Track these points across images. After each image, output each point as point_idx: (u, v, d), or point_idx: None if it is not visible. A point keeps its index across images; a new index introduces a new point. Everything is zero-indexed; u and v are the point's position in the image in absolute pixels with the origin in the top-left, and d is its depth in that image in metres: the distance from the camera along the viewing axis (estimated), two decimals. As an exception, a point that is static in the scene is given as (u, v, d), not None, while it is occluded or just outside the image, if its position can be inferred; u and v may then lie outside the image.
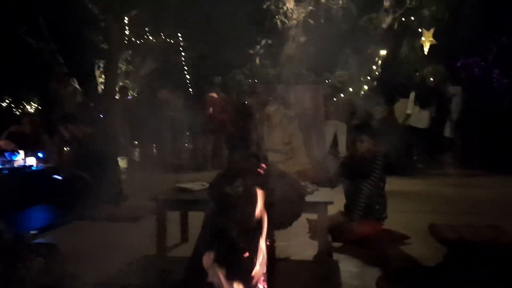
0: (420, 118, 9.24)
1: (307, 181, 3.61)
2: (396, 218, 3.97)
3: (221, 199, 1.68)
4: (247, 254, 1.60)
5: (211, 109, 8.84)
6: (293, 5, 9.36)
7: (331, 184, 3.78)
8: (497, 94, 10.92)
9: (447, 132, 9.50)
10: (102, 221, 4.04)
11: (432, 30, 9.51)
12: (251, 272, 1.60)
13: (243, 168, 1.72)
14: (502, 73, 11.60)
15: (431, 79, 9.67)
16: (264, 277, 1.66)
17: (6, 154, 4.58)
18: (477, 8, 10.56)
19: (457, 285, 2.81)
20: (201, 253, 1.64)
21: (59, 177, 4.61)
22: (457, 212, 5.29)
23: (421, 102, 9.36)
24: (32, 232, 3.84)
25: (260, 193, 1.66)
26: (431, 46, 9.63)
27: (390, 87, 9.92)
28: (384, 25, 9.80)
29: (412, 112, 9.36)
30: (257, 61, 9.75)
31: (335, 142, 8.57)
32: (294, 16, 9.25)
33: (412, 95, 9.36)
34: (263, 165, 1.75)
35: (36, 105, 16.23)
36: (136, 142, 9.45)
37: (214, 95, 9.06)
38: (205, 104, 8.97)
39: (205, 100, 9.04)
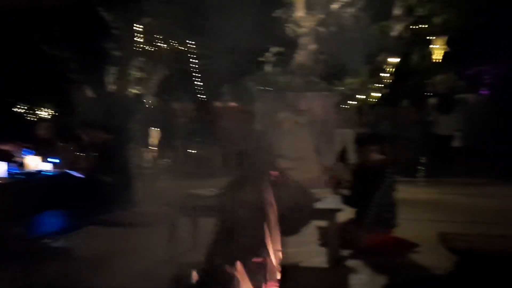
0: (441, 125, 9.24)
1: (318, 188, 3.64)
2: (406, 226, 3.97)
3: (233, 206, 1.71)
4: (259, 260, 1.63)
5: (222, 117, 8.91)
6: (304, 13, 9.41)
7: (341, 191, 3.80)
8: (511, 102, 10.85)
9: (460, 140, 9.48)
10: (116, 226, 4.11)
11: (444, 38, 9.50)
12: (264, 277, 1.63)
13: (254, 176, 1.76)
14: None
15: (443, 86, 9.64)
16: (277, 283, 1.69)
17: (23, 152, 4.69)
18: (489, 16, 10.52)
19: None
20: (214, 259, 1.67)
21: (81, 176, 4.68)
22: (468, 221, 5.26)
23: (441, 109, 9.35)
24: (47, 236, 3.91)
25: (270, 200, 1.69)
26: (444, 54, 9.62)
27: (402, 94, 9.92)
28: (395, 33, 9.81)
29: (434, 119, 9.37)
30: (268, 68, 9.80)
31: (344, 150, 8.57)
32: (305, 24, 9.29)
33: (431, 102, 9.34)
34: (273, 173, 1.78)
35: (51, 111, 16.44)
36: (150, 148, 9.54)
37: (232, 104, 9.12)
38: (217, 112, 9.05)
39: (217, 108, 9.13)
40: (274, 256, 1.73)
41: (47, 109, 15.81)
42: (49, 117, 14.35)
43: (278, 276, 1.75)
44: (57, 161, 4.91)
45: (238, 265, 1.46)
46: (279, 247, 1.78)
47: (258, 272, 1.64)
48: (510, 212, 5.90)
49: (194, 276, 1.61)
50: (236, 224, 1.69)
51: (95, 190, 4.55)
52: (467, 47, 10.95)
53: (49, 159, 4.85)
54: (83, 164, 5.09)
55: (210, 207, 3.17)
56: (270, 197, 1.71)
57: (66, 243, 3.84)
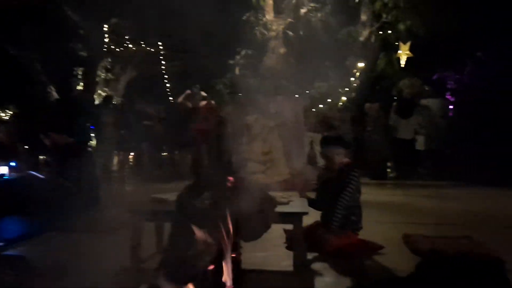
0: (405, 129, 9.45)
1: (286, 191, 3.62)
2: (371, 229, 4.01)
3: (188, 212, 1.67)
4: (212, 267, 1.60)
5: (189, 118, 8.79)
6: (273, 17, 9.47)
7: (308, 195, 3.80)
8: (472, 107, 11.23)
9: (423, 144, 9.73)
10: (78, 232, 3.98)
11: (408, 44, 9.73)
12: (219, 285, 1.60)
13: (211, 181, 1.72)
14: (477, 87, 11.94)
15: (407, 91, 9.88)
16: (231, 288, 1.66)
17: None
18: (452, 23, 10.87)
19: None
20: (168, 264, 1.63)
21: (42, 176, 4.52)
22: (432, 223, 5.38)
23: (399, 113, 9.57)
24: (1, 244, 3.74)
25: (227, 206, 1.66)
26: (408, 59, 9.85)
27: (368, 98, 10.10)
28: (362, 38, 9.99)
29: (395, 123, 9.58)
30: (237, 71, 9.79)
31: (312, 153, 8.65)
32: (274, 28, 9.35)
33: (394, 106, 9.56)
34: (231, 178, 1.76)
35: (13, 113, 15.91)
36: (115, 152, 9.34)
37: (193, 104, 9.02)
38: (182, 112, 8.92)
39: (182, 108, 9.00)
40: (229, 261, 1.69)
41: (8, 111, 15.28)
42: (10, 119, 13.87)
43: (231, 282, 1.72)
44: (15, 164, 4.73)
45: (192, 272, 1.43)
46: (235, 253, 1.74)
47: (214, 279, 1.60)
48: (472, 213, 6.08)
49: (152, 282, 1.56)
50: (192, 231, 1.65)
51: (57, 195, 4.40)
52: (431, 53, 11.28)
53: (9, 163, 4.67)
54: (45, 168, 4.93)
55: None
56: (226, 203, 1.68)
57: (22, 251, 3.69)
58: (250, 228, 1.86)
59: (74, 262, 3.46)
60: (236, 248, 1.79)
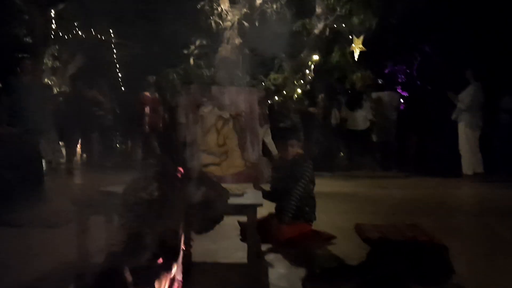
0: (356, 121, 9.68)
1: (240, 183, 3.59)
2: (324, 219, 4.08)
3: (135, 204, 1.61)
4: (161, 260, 1.55)
5: (142, 109, 8.61)
6: (228, 7, 9.36)
7: (262, 186, 3.79)
8: (420, 99, 11.69)
9: (373, 136, 10.02)
10: (19, 227, 3.78)
11: (361, 37, 9.92)
12: (167, 278, 1.55)
13: (158, 172, 1.67)
14: (425, 80, 12.45)
15: (360, 84, 10.11)
16: (179, 283, 1.62)
17: None
18: (403, 18, 11.22)
19: (379, 283, 2.93)
20: (114, 259, 1.56)
21: None
22: (381, 212, 5.55)
23: (351, 106, 9.80)
24: None
25: (176, 198, 1.61)
26: (360, 53, 10.05)
27: (322, 91, 10.25)
28: (317, 31, 10.08)
29: (346, 116, 9.79)
30: (191, 61, 9.62)
31: (266, 145, 8.69)
32: (229, 18, 9.25)
33: (342, 99, 9.79)
34: (180, 169, 1.70)
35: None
36: (61, 143, 8.96)
37: (147, 94, 8.84)
38: (136, 103, 8.72)
39: (136, 99, 8.79)
40: (179, 254, 1.65)
41: None
42: None
43: (184, 274, 1.68)
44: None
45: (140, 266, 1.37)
46: (185, 245, 1.70)
47: (162, 272, 1.55)
48: (419, 202, 6.34)
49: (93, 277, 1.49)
50: (139, 224, 1.59)
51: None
52: (383, 47, 11.60)
53: None
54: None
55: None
56: (175, 194, 1.63)
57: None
58: (201, 220, 1.81)
59: (13, 259, 3.28)
60: (186, 240, 1.74)
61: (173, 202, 1.64)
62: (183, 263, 1.70)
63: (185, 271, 1.72)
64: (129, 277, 1.46)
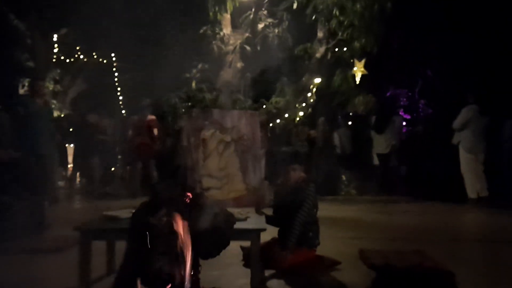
0: (381, 145, 9.74)
1: (242, 207, 3.56)
2: (328, 244, 4.02)
3: (144, 230, 1.59)
4: (169, 286, 1.52)
5: (134, 132, 8.62)
6: (230, 31, 9.48)
7: (265, 211, 3.76)
8: (423, 122, 11.73)
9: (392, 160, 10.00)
10: (22, 253, 3.72)
11: (363, 61, 10.00)
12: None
13: (167, 198, 1.65)
14: (426, 103, 12.51)
15: (362, 108, 10.14)
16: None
17: None
18: (405, 43, 11.36)
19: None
20: (123, 284, 1.53)
21: None
22: (386, 238, 5.47)
23: (378, 129, 9.88)
24: None
25: (184, 223, 1.59)
26: (362, 76, 10.11)
27: (323, 114, 10.29)
28: (318, 55, 10.17)
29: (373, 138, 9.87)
30: (193, 85, 9.68)
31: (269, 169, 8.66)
32: (231, 42, 9.36)
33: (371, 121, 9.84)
34: (188, 194, 1.69)
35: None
36: (65, 166, 8.94)
37: (152, 117, 8.84)
38: (134, 127, 8.73)
39: (133, 123, 8.81)
40: (187, 280, 1.62)
41: None
42: None
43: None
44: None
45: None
46: (193, 271, 1.67)
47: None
48: (422, 228, 6.25)
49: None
50: (148, 249, 1.56)
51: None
52: (385, 71, 11.71)
53: None
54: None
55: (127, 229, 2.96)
56: (183, 220, 1.61)
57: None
58: (209, 245, 1.79)
59: (17, 286, 3.22)
60: (195, 265, 1.71)
61: (181, 228, 1.61)
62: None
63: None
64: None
